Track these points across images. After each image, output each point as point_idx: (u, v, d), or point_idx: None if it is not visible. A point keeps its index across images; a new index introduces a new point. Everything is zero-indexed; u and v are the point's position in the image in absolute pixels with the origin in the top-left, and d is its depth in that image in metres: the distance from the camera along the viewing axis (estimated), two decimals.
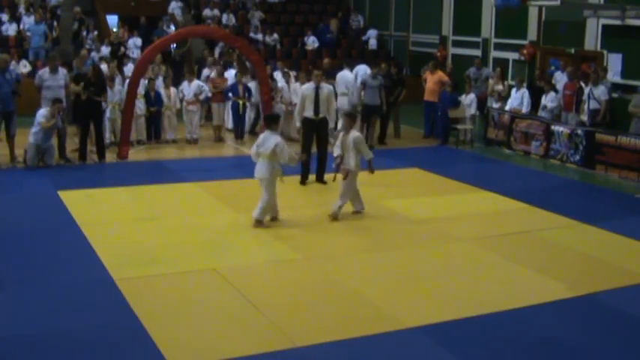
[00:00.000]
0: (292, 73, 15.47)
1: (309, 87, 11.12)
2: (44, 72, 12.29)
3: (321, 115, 10.94)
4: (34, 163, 11.62)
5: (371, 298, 6.72)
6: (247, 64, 15.71)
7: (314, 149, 11.22)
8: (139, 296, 6.58)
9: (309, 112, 10.93)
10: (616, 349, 5.83)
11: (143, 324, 5.99)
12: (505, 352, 5.74)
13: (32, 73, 14.33)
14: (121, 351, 5.59)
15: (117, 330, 5.93)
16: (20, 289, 6.75)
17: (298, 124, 11.24)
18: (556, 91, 14.39)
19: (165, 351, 5.52)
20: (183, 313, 6.28)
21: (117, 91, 13.17)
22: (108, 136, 13.28)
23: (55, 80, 12.14)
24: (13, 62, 16.96)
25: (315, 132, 11.04)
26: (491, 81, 15.91)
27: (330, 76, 15.54)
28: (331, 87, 11.71)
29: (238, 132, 14.64)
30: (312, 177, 11.19)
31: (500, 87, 15.62)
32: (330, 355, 5.62)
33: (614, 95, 14.19)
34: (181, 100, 14.37)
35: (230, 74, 15.41)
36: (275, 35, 21.62)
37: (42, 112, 11.63)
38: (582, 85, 13.85)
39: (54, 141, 12.01)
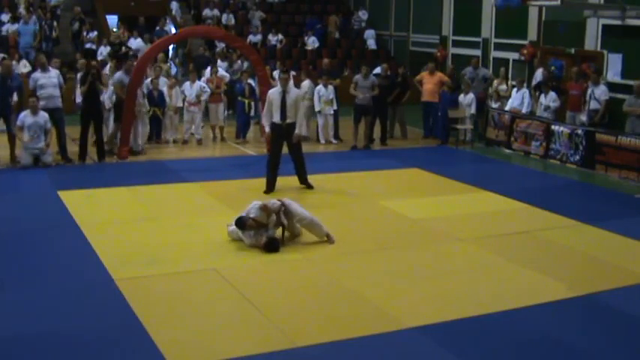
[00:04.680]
0: (292, 73, 15.50)
1: (274, 91, 10.55)
2: (36, 73, 12.36)
3: (288, 121, 10.35)
4: (28, 164, 11.61)
5: (371, 298, 6.72)
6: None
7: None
8: (139, 296, 6.58)
9: (275, 118, 10.37)
10: (616, 349, 5.82)
11: (143, 324, 5.98)
12: (505, 352, 5.73)
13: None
14: (121, 351, 5.59)
15: (117, 330, 5.93)
16: (20, 289, 6.75)
17: (267, 129, 10.58)
18: (554, 90, 14.41)
19: (165, 351, 5.51)
20: (183, 313, 6.28)
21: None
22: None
23: (49, 79, 12.15)
24: (14, 62, 16.98)
25: (285, 138, 10.46)
26: (495, 81, 15.91)
27: (333, 75, 15.60)
28: (299, 91, 11.15)
29: (240, 131, 14.65)
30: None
31: (504, 87, 15.62)
32: (330, 355, 5.61)
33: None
34: (183, 101, 14.38)
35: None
36: (280, 36, 21.63)
37: (20, 116, 11.66)
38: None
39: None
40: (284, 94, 10.34)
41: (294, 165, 10.72)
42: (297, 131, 10.40)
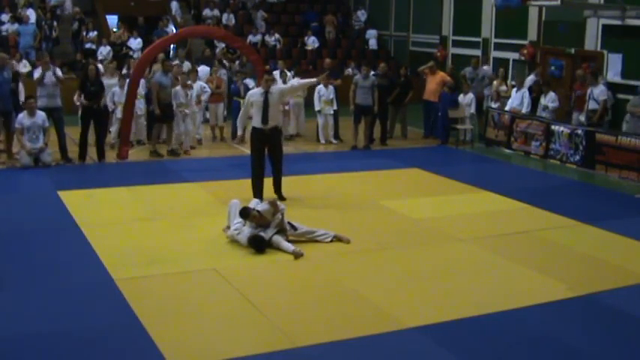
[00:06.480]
0: (290, 73, 15.49)
1: (256, 92, 9.92)
2: (37, 71, 12.37)
3: (271, 124, 9.79)
4: (28, 164, 11.61)
5: (371, 298, 6.72)
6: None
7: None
8: (139, 296, 6.58)
9: (257, 122, 9.74)
10: (616, 349, 5.82)
11: (143, 324, 5.98)
12: (505, 352, 5.73)
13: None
14: (121, 351, 5.59)
15: (117, 330, 5.93)
16: (20, 289, 6.75)
17: (240, 132, 10.12)
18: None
19: (165, 351, 5.51)
20: (183, 313, 6.28)
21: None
22: (114, 136, 13.34)
23: (49, 78, 12.14)
24: (14, 62, 17.00)
25: (267, 144, 9.86)
26: (495, 82, 15.91)
27: (333, 75, 15.58)
28: (281, 86, 10.61)
29: (236, 131, 14.66)
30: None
31: (503, 87, 15.64)
32: (330, 355, 5.61)
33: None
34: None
35: (204, 71, 15.49)
36: (277, 35, 21.64)
37: (18, 118, 11.68)
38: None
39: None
40: (266, 95, 9.72)
41: (272, 170, 10.06)
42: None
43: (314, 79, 10.85)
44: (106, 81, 13.36)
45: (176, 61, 15.20)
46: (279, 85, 10.18)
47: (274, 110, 9.86)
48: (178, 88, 13.18)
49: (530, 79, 15.40)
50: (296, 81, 12.72)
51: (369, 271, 7.46)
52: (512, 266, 7.72)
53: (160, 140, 13.30)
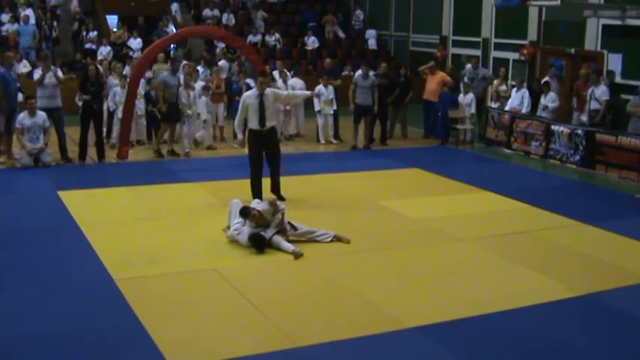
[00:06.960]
0: (289, 73, 15.50)
1: (251, 94, 9.86)
2: (37, 72, 12.38)
3: (268, 125, 9.78)
4: (28, 164, 11.61)
5: (371, 298, 6.72)
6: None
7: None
8: (139, 296, 6.58)
9: (254, 124, 9.73)
10: (616, 349, 5.82)
11: (143, 324, 5.98)
12: (505, 352, 5.73)
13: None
14: (121, 351, 5.59)
15: (117, 330, 5.93)
16: (20, 289, 6.76)
17: (240, 136, 10.15)
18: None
19: (165, 351, 5.51)
20: (183, 313, 6.28)
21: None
22: (116, 136, 13.34)
23: (50, 79, 12.14)
24: (14, 62, 16.99)
25: (265, 145, 9.86)
26: (495, 82, 15.91)
27: (334, 75, 15.58)
28: (275, 90, 10.72)
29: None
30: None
31: (503, 87, 15.63)
32: (330, 355, 5.61)
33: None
34: None
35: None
36: (277, 35, 21.64)
37: (18, 118, 11.69)
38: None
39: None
40: (261, 97, 9.70)
41: (270, 171, 10.06)
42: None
43: (308, 92, 11.32)
44: (113, 81, 13.43)
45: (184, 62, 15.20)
46: (275, 90, 10.24)
47: (271, 111, 9.88)
48: (181, 88, 13.18)
49: (545, 80, 15.14)
50: (293, 84, 12.64)
51: (369, 271, 7.46)
52: (512, 266, 7.72)
53: (161, 140, 13.29)
